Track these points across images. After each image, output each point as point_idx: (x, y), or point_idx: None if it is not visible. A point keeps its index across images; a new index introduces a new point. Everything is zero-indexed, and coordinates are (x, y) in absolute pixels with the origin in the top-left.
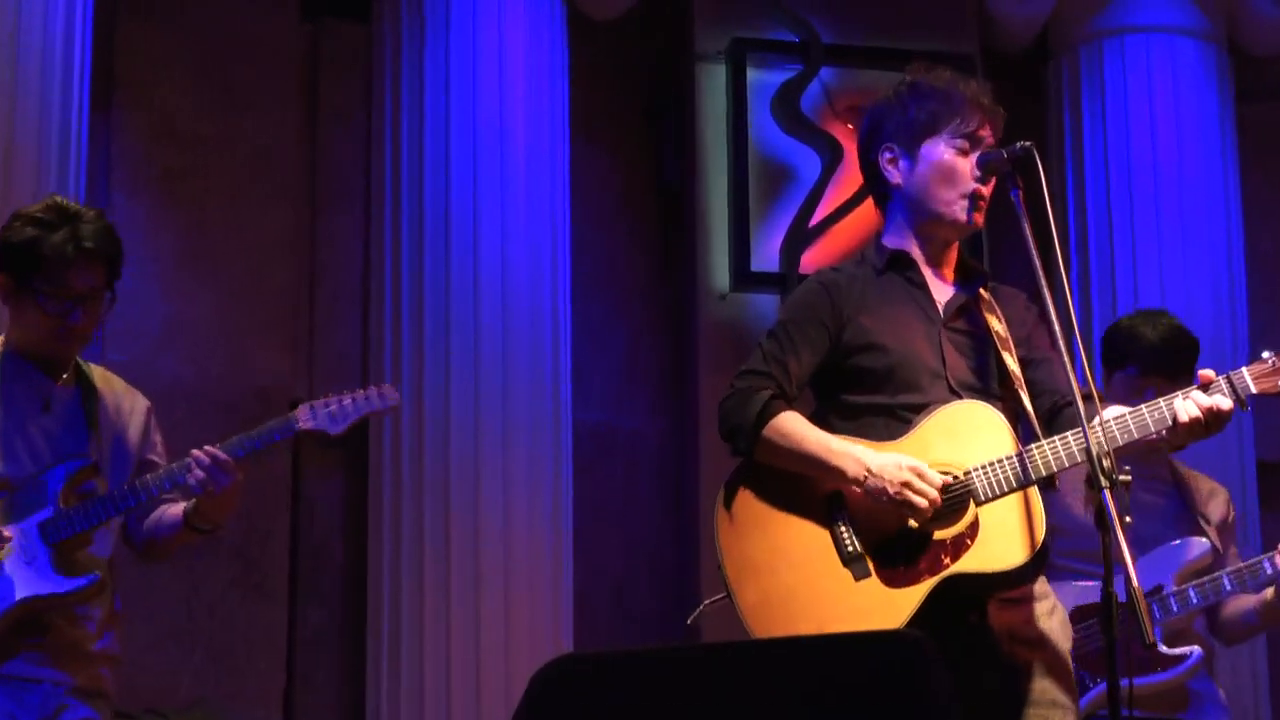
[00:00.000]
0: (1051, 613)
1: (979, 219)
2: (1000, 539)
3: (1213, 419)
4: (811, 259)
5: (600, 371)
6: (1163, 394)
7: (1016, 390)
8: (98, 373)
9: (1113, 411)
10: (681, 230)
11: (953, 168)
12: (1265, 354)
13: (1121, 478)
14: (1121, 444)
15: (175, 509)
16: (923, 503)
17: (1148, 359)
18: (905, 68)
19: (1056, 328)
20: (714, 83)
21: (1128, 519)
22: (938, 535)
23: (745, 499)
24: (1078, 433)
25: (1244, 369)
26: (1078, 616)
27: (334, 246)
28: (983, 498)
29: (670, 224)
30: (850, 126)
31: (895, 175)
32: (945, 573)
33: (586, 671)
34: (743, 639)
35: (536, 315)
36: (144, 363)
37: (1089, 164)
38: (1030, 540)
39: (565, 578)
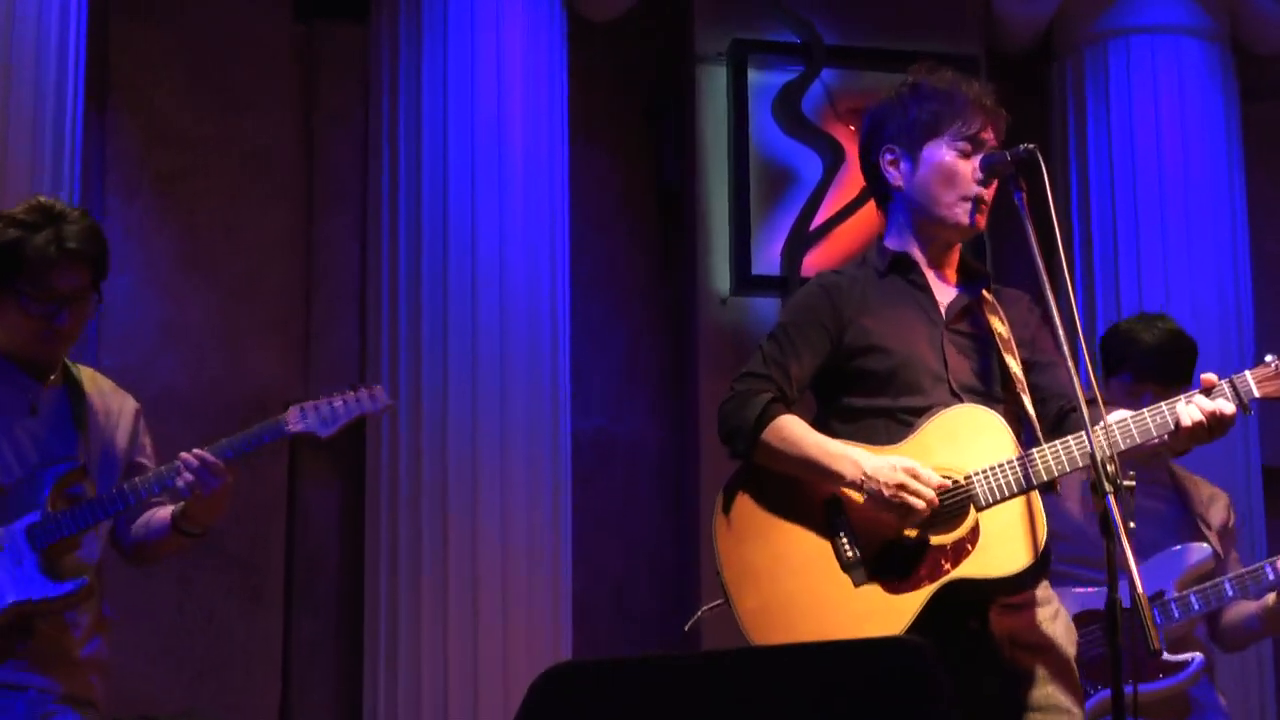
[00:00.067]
0: (1055, 617)
1: (981, 221)
2: (1001, 544)
3: (1215, 423)
4: (813, 262)
5: (600, 375)
6: (1158, 400)
7: (1018, 393)
8: (86, 374)
9: (1115, 416)
10: (682, 233)
11: (954, 170)
12: (1269, 357)
13: (1126, 483)
14: (1124, 449)
15: (164, 512)
16: (919, 504)
17: (1141, 365)
18: (908, 69)
19: (1060, 331)
20: (714, 84)
21: (1131, 524)
22: (938, 540)
23: (744, 504)
24: (1079, 437)
25: (1247, 372)
26: (1077, 623)
27: (331, 249)
28: (984, 503)
29: (670, 227)
30: (852, 128)
31: (896, 177)
32: (946, 578)
33: (585, 679)
34: (742, 645)
35: (535, 318)
36: (140, 367)
37: (1093, 165)
38: (1032, 545)
39: (564, 584)
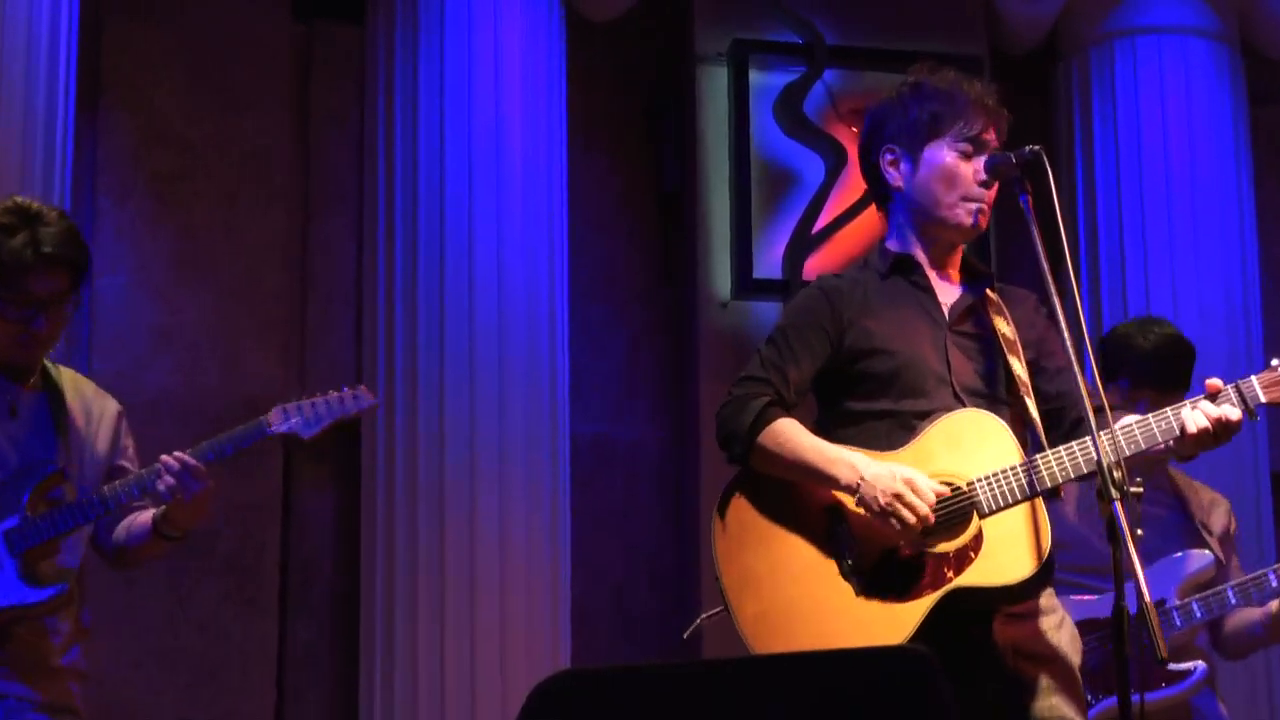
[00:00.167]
0: (1060, 626)
1: (983, 223)
2: (1005, 552)
3: (1221, 429)
4: (815, 265)
5: (599, 379)
6: (1154, 407)
7: (1023, 396)
8: (67, 376)
9: (1121, 421)
10: (682, 236)
11: (955, 171)
12: (1275, 362)
13: (1133, 489)
14: (1129, 454)
15: (145, 516)
16: (911, 518)
17: (1137, 370)
18: (909, 68)
19: (1066, 336)
20: (715, 85)
21: (1139, 531)
22: (941, 548)
23: (743, 510)
24: (1084, 443)
25: (1253, 378)
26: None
27: (327, 251)
28: (987, 510)
29: (670, 229)
30: (855, 130)
31: (896, 177)
32: (948, 587)
33: (585, 687)
34: (742, 653)
35: (534, 321)
36: (133, 371)
37: (1099, 168)
38: (1036, 553)
39: (563, 590)
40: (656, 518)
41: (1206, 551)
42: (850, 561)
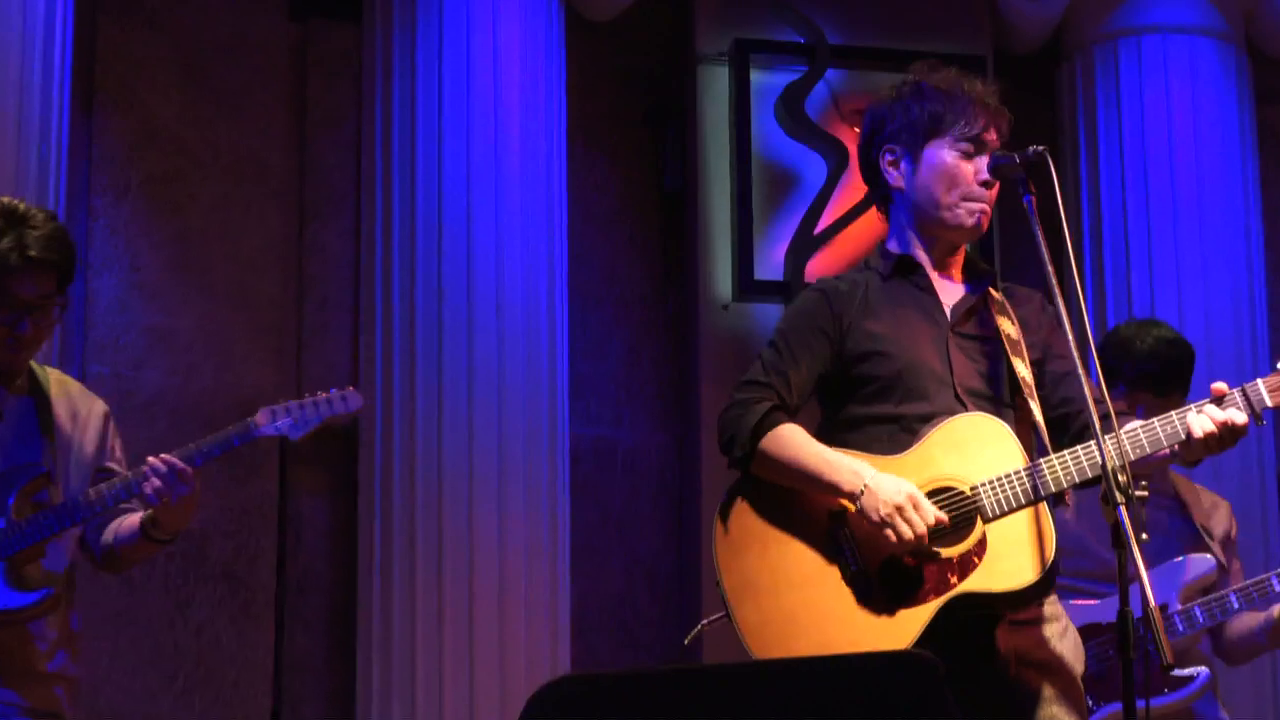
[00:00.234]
0: (1063, 635)
1: (984, 223)
2: (1009, 557)
3: (1227, 433)
4: (817, 267)
5: (599, 383)
6: (1153, 411)
7: (1026, 398)
8: (53, 377)
9: (1126, 426)
10: (683, 237)
11: (955, 171)
12: None
13: (1138, 493)
14: (1134, 459)
15: (133, 518)
16: (907, 533)
17: (1135, 374)
18: (909, 67)
19: (1070, 339)
20: (716, 85)
21: (1144, 535)
22: (944, 553)
23: (744, 515)
24: (1089, 447)
25: (1259, 381)
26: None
27: (323, 254)
28: (991, 515)
29: (671, 231)
30: (857, 130)
31: (896, 177)
32: (952, 592)
33: (585, 693)
34: (743, 659)
35: (533, 324)
36: (127, 374)
37: (1104, 168)
38: (1040, 558)
39: (562, 596)
40: (657, 522)
41: (1208, 556)
42: (853, 567)
